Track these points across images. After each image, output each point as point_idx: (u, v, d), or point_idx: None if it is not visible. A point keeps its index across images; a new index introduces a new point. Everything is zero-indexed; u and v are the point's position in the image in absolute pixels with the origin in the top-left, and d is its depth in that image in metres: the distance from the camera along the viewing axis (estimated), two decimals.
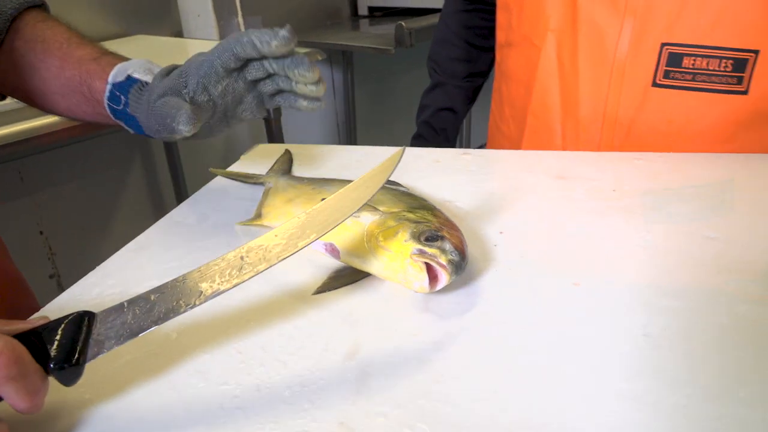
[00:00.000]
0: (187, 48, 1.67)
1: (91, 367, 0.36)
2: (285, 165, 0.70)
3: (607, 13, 0.71)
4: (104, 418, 0.37)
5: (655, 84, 0.71)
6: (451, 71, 1.05)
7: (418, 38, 1.73)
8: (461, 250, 0.45)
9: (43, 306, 0.48)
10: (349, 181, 0.59)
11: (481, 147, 0.98)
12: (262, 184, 0.65)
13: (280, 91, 0.57)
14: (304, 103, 0.57)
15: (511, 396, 0.36)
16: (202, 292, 0.38)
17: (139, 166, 1.83)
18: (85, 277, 0.52)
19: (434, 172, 0.69)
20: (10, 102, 0.65)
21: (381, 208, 0.50)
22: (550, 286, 0.47)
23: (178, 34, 1.85)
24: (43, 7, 0.65)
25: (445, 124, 1.07)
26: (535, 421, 0.34)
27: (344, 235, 0.50)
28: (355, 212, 0.42)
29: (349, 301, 0.46)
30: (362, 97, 2.34)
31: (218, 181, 0.70)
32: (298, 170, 0.71)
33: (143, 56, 0.60)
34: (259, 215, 0.58)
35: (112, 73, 0.57)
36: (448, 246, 0.45)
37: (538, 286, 0.47)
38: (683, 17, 0.68)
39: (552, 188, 0.63)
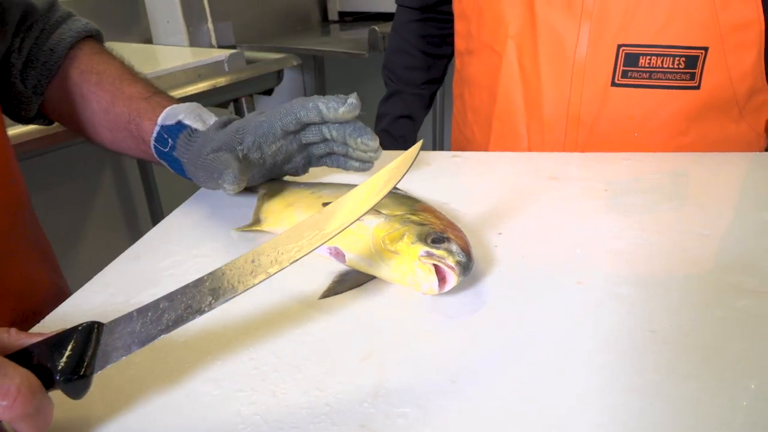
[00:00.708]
0: (157, 54, 1.65)
1: (101, 380, 0.35)
2: None
3: (564, 18, 0.74)
4: (118, 428, 0.36)
5: (614, 83, 0.74)
6: (408, 79, 1.07)
7: None
8: (467, 251, 0.46)
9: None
10: (345, 185, 0.60)
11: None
12: (253, 190, 0.65)
13: (329, 154, 0.58)
14: (355, 164, 0.58)
15: (526, 393, 0.37)
16: (212, 298, 0.37)
17: (110, 175, 1.80)
18: (85, 286, 0.51)
19: (426, 175, 0.69)
20: None
21: (384, 211, 0.50)
22: (555, 285, 0.47)
23: (148, 40, 1.82)
24: (98, 36, 0.67)
25: (404, 131, 1.09)
26: (551, 416, 0.35)
27: (349, 238, 0.50)
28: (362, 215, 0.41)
29: (356, 304, 0.46)
30: None
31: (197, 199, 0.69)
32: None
33: None
34: (257, 220, 0.57)
35: (162, 115, 0.58)
36: (455, 247, 0.45)
37: (542, 285, 0.47)
38: (636, 19, 0.71)
39: (546, 189, 0.64)
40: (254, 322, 0.45)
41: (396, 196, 0.54)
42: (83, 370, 0.34)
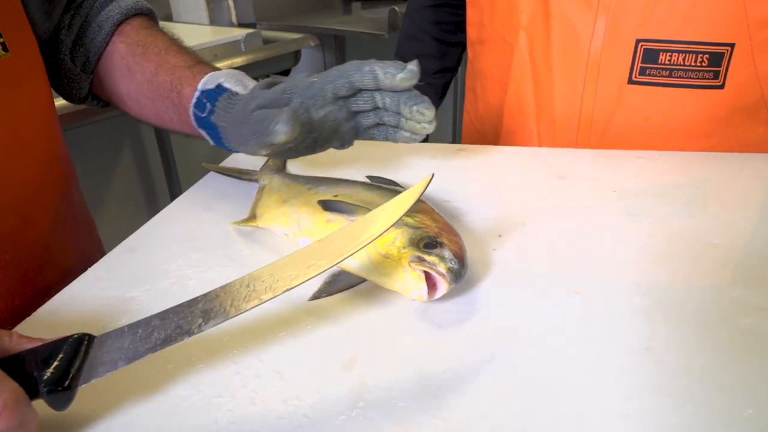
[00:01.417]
0: (176, 32, 1.64)
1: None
2: (279, 161, 0.68)
3: (580, 9, 0.70)
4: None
5: (631, 81, 0.70)
6: (421, 68, 1.03)
7: None
8: (461, 258, 0.44)
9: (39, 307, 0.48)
10: (344, 181, 0.58)
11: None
12: (256, 180, 0.64)
13: (379, 125, 0.54)
14: (406, 134, 0.54)
15: (510, 412, 0.35)
16: (202, 320, 0.37)
17: (130, 153, 1.81)
18: (78, 279, 0.50)
19: (430, 168, 0.68)
20: None
21: None
22: (550, 294, 0.46)
23: (168, 18, 1.81)
24: (151, 15, 0.67)
25: None
26: None
27: None
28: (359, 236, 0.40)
29: (345, 309, 0.45)
30: None
31: (211, 177, 0.68)
32: (292, 166, 0.69)
33: None
34: (253, 216, 0.56)
35: (203, 80, 0.56)
36: (447, 253, 0.44)
37: (537, 294, 0.46)
38: (657, 12, 0.67)
39: (552, 188, 0.61)
40: (240, 322, 0.44)
41: (393, 194, 0.52)
42: (67, 382, 0.34)
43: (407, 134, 0.54)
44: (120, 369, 0.35)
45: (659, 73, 0.69)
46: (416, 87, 1.01)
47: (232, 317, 0.36)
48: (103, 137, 1.69)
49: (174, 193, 1.81)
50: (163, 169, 1.82)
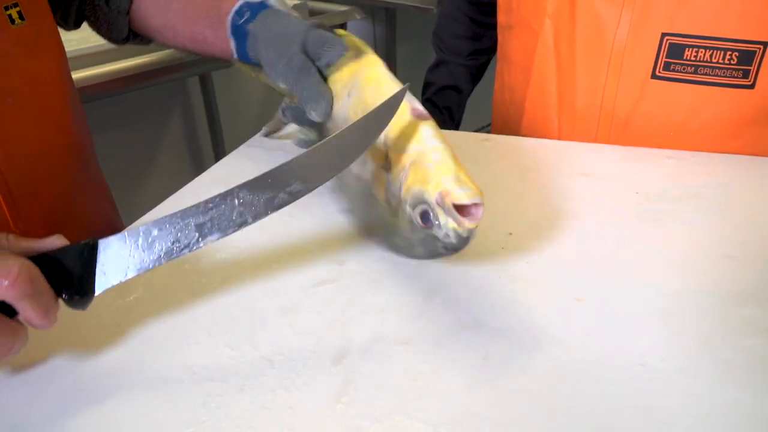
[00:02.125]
0: None
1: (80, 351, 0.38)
2: None
3: (606, 0, 0.68)
4: (91, 405, 0.38)
5: (654, 76, 0.68)
6: (455, 48, 1.01)
7: None
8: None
9: None
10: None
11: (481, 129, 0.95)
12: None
13: None
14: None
15: (492, 421, 0.36)
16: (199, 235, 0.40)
17: (179, 117, 1.85)
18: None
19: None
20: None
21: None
22: (552, 301, 0.45)
23: None
24: None
25: (449, 102, 1.04)
26: None
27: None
28: None
29: (344, 300, 0.46)
30: (404, 54, 2.29)
31: (253, 143, 0.70)
32: None
33: None
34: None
35: None
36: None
37: (539, 300, 0.45)
38: (685, 6, 0.64)
39: (572, 187, 0.60)
40: (240, 305, 0.46)
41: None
42: (86, 289, 0.38)
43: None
44: (123, 343, 0.37)
45: (684, 69, 0.66)
46: (451, 67, 1.00)
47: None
48: (153, 102, 1.73)
49: (218, 148, 1.85)
50: (208, 126, 1.86)
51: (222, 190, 0.40)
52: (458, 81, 1.03)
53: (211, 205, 0.40)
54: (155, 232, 0.39)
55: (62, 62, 0.60)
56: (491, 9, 0.90)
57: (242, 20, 0.59)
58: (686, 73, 0.67)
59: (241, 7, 0.60)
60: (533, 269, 0.49)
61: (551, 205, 0.57)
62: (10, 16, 0.52)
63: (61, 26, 0.68)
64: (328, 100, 0.54)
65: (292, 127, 0.69)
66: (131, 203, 0.62)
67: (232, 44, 0.60)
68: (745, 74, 0.65)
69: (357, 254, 0.51)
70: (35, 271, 0.36)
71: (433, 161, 0.44)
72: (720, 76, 0.66)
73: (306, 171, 0.42)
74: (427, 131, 0.46)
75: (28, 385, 0.39)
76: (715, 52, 0.65)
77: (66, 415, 0.37)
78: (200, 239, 0.40)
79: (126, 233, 0.39)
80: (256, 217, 0.40)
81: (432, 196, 0.42)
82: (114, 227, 0.64)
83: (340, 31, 0.59)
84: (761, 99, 0.66)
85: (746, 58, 0.64)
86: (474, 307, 0.45)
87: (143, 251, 0.39)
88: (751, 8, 0.63)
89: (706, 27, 0.64)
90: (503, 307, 0.45)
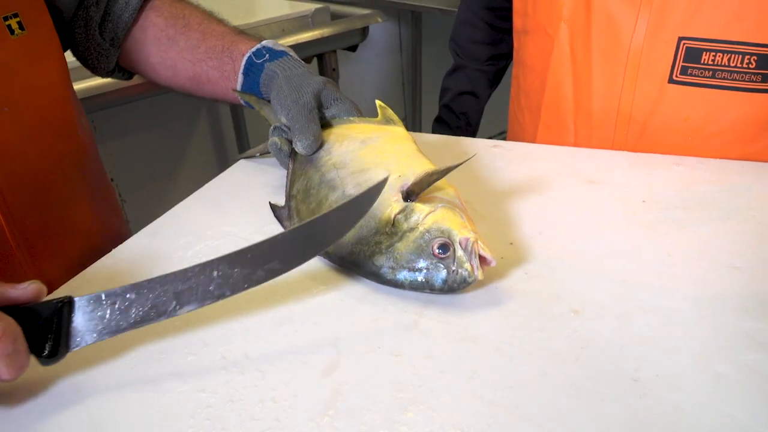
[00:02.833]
0: (254, 4, 1.67)
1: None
2: None
3: (622, 4, 0.67)
4: (84, 414, 0.38)
5: (671, 80, 0.67)
6: (473, 54, 1.01)
7: None
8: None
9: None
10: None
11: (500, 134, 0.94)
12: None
13: None
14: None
15: None
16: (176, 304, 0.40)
17: (205, 120, 1.88)
18: (102, 259, 0.53)
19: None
20: None
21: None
22: (548, 312, 0.44)
23: None
24: None
25: (466, 108, 1.04)
26: None
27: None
28: None
29: (338, 312, 0.46)
30: (429, 56, 2.29)
31: (236, 168, 0.70)
32: None
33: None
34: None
35: (269, 41, 0.64)
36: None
37: (535, 312, 0.44)
38: (702, 10, 0.63)
39: (578, 194, 0.59)
40: (236, 313, 0.46)
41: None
42: (60, 348, 0.39)
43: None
44: (110, 348, 0.38)
45: (701, 73, 0.65)
46: (469, 72, 1.00)
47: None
48: (181, 104, 1.76)
49: (244, 150, 1.88)
50: (234, 128, 1.89)
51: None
52: (476, 87, 1.02)
53: (189, 274, 0.40)
54: (132, 296, 0.40)
55: (63, 71, 0.61)
56: (509, 14, 0.90)
57: (261, 60, 0.62)
58: (704, 77, 0.65)
59: (260, 50, 0.63)
60: (532, 280, 0.48)
61: (555, 214, 0.56)
62: (9, 26, 0.53)
63: None
64: (316, 137, 0.56)
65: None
66: (161, 204, 0.63)
67: (240, 80, 0.64)
68: (764, 78, 0.64)
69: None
70: (18, 331, 0.37)
71: (464, 214, 0.48)
72: (738, 80, 0.65)
73: (286, 250, 0.42)
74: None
75: (17, 392, 0.40)
76: (732, 55, 0.64)
77: (55, 422, 0.38)
78: (177, 307, 0.40)
79: (103, 294, 0.40)
80: (234, 291, 0.41)
81: (458, 236, 0.45)
82: (117, 235, 0.65)
83: (380, 103, 0.61)
84: None
85: (765, 61, 0.63)
86: (467, 320, 0.44)
87: (119, 314, 0.40)
88: None
89: (723, 30, 0.63)
90: (497, 320, 0.44)
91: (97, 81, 1.14)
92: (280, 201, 0.59)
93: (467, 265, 0.45)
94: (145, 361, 0.42)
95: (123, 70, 0.73)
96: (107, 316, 0.40)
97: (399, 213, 0.47)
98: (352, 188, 0.51)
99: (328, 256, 0.51)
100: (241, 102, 0.65)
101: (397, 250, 0.47)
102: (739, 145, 0.68)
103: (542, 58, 0.77)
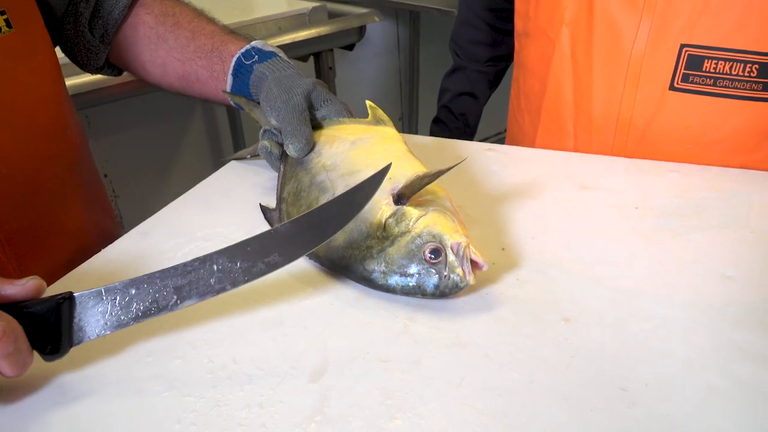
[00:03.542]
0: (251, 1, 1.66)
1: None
2: None
3: (624, 9, 0.66)
4: (68, 417, 0.38)
5: (672, 87, 0.67)
6: (472, 55, 1.01)
7: None
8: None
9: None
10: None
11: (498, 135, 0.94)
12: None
13: None
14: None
15: None
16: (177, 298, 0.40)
17: (200, 117, 1.87)
18: (91, 259, 0.53)
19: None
20: None
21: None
22: (539, 320, 0.44)
23: None
24: None
25: (465, 109, 1.04)
26: None
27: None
28: None
29: (328, 316, 0.45)
30: (427, 56, 2.29)
31: (229, 168, 0.70)
32: None
33: None
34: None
35: (258, 41, 0.63)
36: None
37: (526, 319, 0.44)
38: (704, 17, 0.63)
39: (571, 200, 0.59)
40: (225, 318, 0.45)
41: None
42: (62, 344, 0.39)
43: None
44: (102, 351, 0.39)
45: (703, 81, 0.65)
46: (468, 73, 0.99)
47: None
48: (176, 101, 1.76)
49: (239, 148, 1.87)
50: (229, 125, 1.88)
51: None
52: (475, 88, 1.02)
53: (189, 268, 0.40)
54: (133, 291, 0.40)
55: (54, 69, 0.60)
56: (510, 15, 0.90)
57: (250, 61, 0.62)
58: (705, 85, 0.65)
59: (249, 51, 0.62)
60: (523, 286, 0.48)
61: (547, 219, 0.56)
62: None
63: None
64: (308, 139, 0.55)
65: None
66: (154, 200, 0.62)
67: (230, 81, 0.63)
68: (765, 87, 0.63)
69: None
70: (19, 329, 0.37)
71: (456, 218, 0.48)
72: (739, 88, 0.64)
73: (286, 243, 0.42)
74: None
75: (4, 395, 0.39)
76: (734, 64, 0.63)
77: (41, 426, 0.37)
78: (178, 302, 0.40)
79: (103, 290, 0.40)
80: (235, 284, 0.41)
81: (450, 240, 0.45)
82: (108, 234, 0.64)
83: (370, 103, 0.60)
84: None
85: (766, 70, 0.62)
86: (458, 325, 0.44)
87: (120, 309, 0.40)
88: None
89: (725, 38, 0.63)
90: (488, 326, 0.44)
91: (91, 77, 1.12)
92: (272, 203, 0.58)
93: (459, 270, 0.44)
94: (132, 364, 0.42)
95: (113, 66, 0.72)
96: (108, 310, 0.40)
97: (390, 217, 0.47)
98: (343, 190, 0.51)
99: (318, 259, 0.51)
100: (231, 103, 0.64)
101: (388, 255, 0.46)
102: (739, 154, 0.67)
103: (543, 61, 0.76)
